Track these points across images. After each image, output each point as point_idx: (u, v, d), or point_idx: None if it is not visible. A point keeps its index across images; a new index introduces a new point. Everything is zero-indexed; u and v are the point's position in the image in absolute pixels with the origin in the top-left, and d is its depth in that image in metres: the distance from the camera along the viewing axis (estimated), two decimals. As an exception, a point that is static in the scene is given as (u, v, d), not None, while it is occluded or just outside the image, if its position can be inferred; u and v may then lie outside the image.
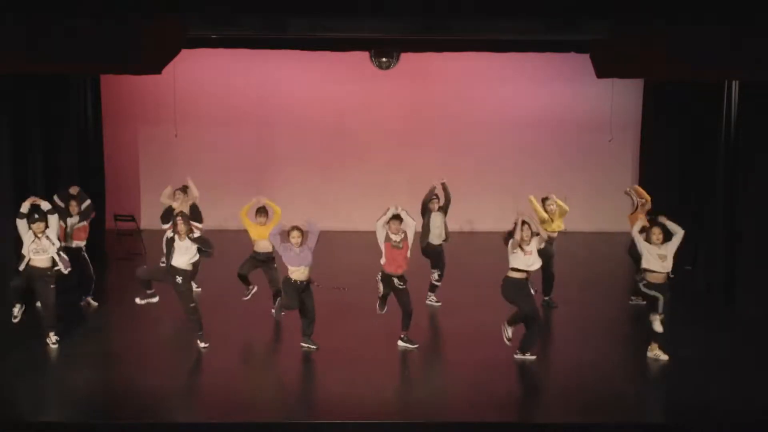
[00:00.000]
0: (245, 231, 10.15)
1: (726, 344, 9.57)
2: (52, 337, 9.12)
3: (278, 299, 9.30)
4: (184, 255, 9.02)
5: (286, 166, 15.31)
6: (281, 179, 15.28)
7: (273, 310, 9.81)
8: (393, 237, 8.93)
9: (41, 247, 8.94)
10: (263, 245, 9.99)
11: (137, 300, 9.47)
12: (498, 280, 8.78)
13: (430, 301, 10.72)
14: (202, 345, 9.19)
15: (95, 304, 10.59)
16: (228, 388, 8.37)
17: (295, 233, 8.80)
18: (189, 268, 9.09)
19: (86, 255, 10.34)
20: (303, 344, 9.10)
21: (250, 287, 10.38)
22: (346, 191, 15.40)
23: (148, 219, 14.62)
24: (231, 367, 8.94)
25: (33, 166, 10.78)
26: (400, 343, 9.17)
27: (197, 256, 9.14)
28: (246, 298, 10.35)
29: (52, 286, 9.05)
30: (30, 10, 8.68)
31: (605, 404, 8.13)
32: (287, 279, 8.93)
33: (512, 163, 15.38)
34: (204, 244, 9.10)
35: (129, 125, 15.15)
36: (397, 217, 8.90)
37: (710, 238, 11.26)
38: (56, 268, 9.07)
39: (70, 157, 12.06)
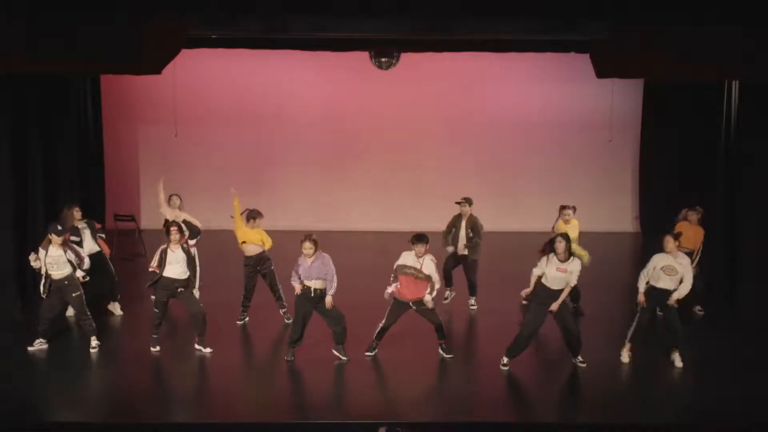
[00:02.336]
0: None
1: (726, 345, 9.57)
2: (93, 342, 9.24)
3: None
4: (176, 264, 9.00)
5: (286, 166, 15.29)
6: (281, 179, 15.28)
7: (282, 312, 10.07)
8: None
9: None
10: (252, 249, 9.90)
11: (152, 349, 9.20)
12: (496, 280, 8.77)
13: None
14: (207, 350, 9.17)
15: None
16: (229, 389, 8.39)
17: (307, 244, 8.61)
18: (184, 277, 9.05)
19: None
20: (334, 350, 9.02)
21: (245, 315, 10.14)
22: (346, 191, 15.39)
23: (148, 219, 14.61)
24: (232, 368, 8.94)
25: (33, 166, 10.76)
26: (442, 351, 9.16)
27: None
28: (239, 323, 10.09)
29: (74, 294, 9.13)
30: (30, 10, 8.68)
31: (606, 404, 8.15)
32: (298, 294, 8.76)
33: (512, 163, 15.38)
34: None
35: (129, 125, 15.13)
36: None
37: (710, 238, 11.25)
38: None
39: (70, 157, 12.04)
